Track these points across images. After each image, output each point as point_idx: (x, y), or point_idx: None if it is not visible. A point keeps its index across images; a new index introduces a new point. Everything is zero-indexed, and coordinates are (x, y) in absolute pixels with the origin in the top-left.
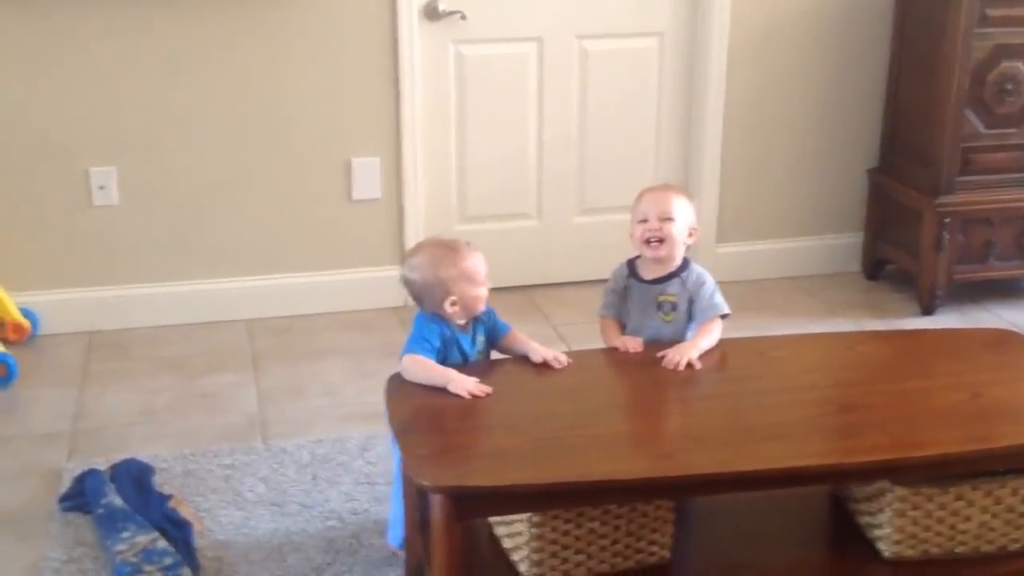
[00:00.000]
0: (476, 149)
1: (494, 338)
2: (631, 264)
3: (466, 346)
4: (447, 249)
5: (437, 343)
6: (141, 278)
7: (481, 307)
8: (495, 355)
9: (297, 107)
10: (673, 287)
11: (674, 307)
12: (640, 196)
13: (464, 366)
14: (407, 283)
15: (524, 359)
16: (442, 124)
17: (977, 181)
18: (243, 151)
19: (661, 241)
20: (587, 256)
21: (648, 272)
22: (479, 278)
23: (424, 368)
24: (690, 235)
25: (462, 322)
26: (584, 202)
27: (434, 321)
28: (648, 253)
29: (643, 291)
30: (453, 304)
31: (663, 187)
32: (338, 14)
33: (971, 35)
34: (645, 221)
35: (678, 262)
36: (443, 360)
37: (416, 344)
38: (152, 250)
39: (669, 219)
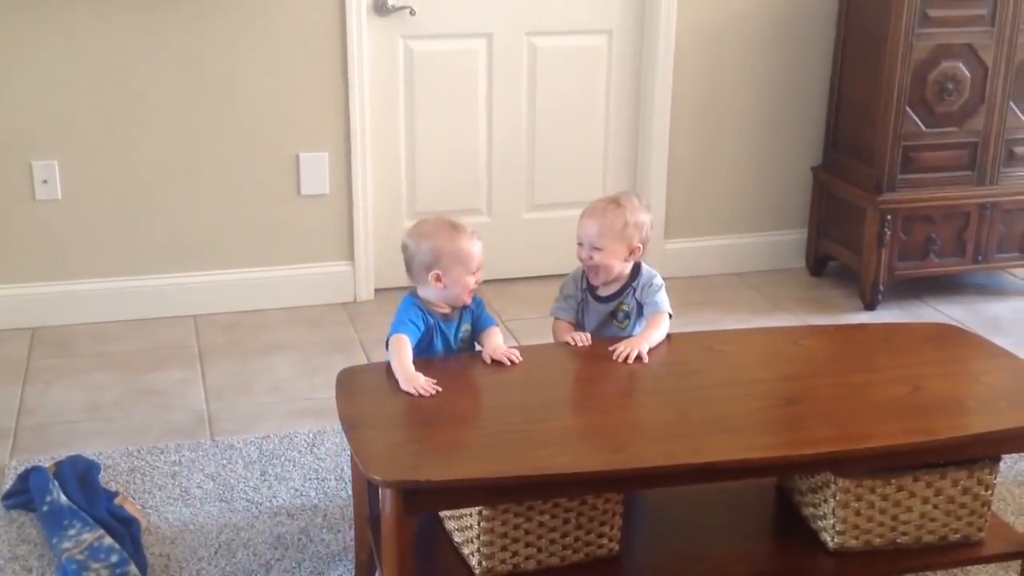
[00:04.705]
0: (425, 145)
1: (477, 329)
2: (587, 277)
3: (450, 335)
4: (449, 227)
5: (421, 326)
6: (85, 273)
7: (466, 299)
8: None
9: (244, 101)
10: (627, 298)
11: (627, 315)
12: (583, 213)
13: (437, 357)
14: (403, 248)
15: (476, 355)
16: (391, 119)
17: (918, 179)
18: (189, 145)
19: (594, 267)
20: (537, 252)
21: (603, 288)
22: (471, 265)
23: (397, 355)
24: (632, 253)
25: (446, 310)
26: (534, 198)
27: (418, 307)
28: (587, 274)
29: (599, 306)
30: (437, 279)
31: (606, 206)
32: (286, 7)
33: (912, 35)
34: (581, 245)
35: (627, 273)
36: (427, 346)
37: (401, 325)
38: (96, 245)
39: (598, 249)
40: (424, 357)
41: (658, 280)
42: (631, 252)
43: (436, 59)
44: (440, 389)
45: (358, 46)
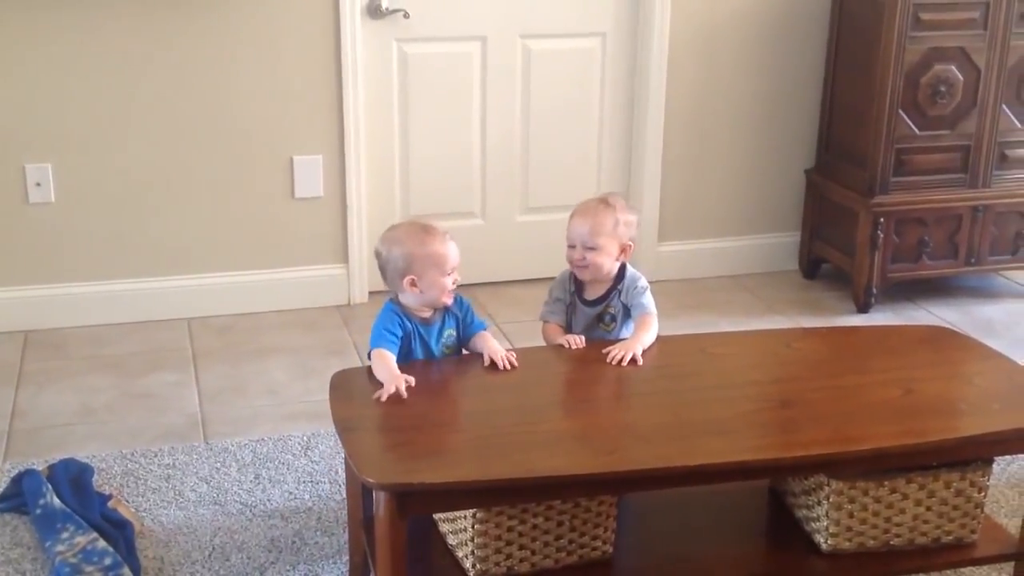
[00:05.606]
0: (419, 148)
1: (466, 335)
2: (575, 280)
3: (431, 340)
4: (421, 230)
5: (399, 332)
6: (78, 276)
7: (446, 300)
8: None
9: (239, 104)
10: (613, 301)
11: (614, 318)
12: (573, 214)
13: (431, 361)
14: (377, 255)
15: (470, 357)
16: (385, 122)
17: (911, 182)
18: (183, 148)
19: (586, 268)
20: (530, 255)
21: (590, 292)
22: (446, 267)
23: (380, 366)
24: (623, 251)
25: (426, 314)
26: (527, 201)
27: (396, 313)
28: (577, 275)
29: (586, 310)
30: (412, 284)
31: (596, 206)
32: (280, 11)
33: (905, 38)
34: (573, 247)
35: (614, 274)
36: (407, 353)
37: (380, 337)
38: (90, 248)
39: (592, 248)
40: (404, 363)
41: (642, 282)
42: (622, 250)
43: (430, 62)
44: (412, 380)
45: (352, 49)
